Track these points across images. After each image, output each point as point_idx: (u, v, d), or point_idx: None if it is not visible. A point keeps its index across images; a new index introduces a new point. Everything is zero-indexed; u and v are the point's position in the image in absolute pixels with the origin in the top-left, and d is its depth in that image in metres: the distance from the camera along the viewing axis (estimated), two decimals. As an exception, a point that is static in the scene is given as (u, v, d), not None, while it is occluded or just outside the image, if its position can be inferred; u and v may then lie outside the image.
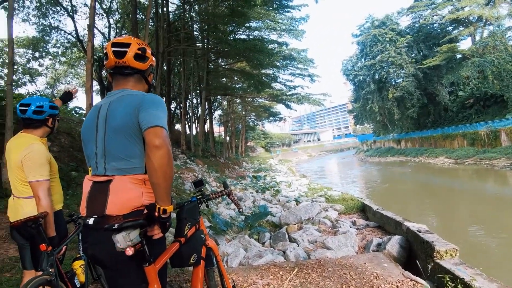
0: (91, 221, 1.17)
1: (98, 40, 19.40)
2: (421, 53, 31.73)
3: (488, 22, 25.55)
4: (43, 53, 19.35)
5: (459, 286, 2.42)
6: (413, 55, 32.00)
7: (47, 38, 18.03)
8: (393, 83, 33.02)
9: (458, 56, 27.85)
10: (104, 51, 1.29)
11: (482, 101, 26.53)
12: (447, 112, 30.79)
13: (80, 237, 1.99)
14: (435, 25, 31.47)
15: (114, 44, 1.27)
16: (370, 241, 4.24)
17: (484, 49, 24.46)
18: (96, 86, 19.67)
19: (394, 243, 3.72)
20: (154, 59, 1.38)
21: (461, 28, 28.56)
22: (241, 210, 1.98)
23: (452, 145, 26.30)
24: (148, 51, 1.33)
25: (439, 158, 25.42)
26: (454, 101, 30.03)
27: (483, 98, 26.24)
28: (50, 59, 20.69)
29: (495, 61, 22.89)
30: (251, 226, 5.56)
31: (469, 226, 8.35)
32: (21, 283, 2.00)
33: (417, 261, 3.24)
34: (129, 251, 1.07)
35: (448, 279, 2.53)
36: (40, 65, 20.49)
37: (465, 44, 30.11)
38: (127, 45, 1.27)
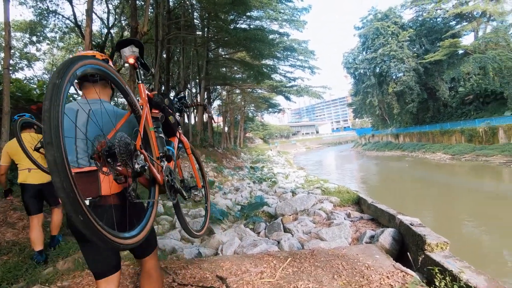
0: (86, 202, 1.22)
1: (96, 26, 19.15)
2: (423, 48, 31.50)
3: (492, 18, 25.30)
4: (41, 38, 19.09)
5: (447, 278, 2.47)
6: (415, 49, 31.78)
7: (45, 22, 17.75)
8: (394, 77, 32.87)
9: (460, 51, 27.69)
10: None
11: (481, 98, 26.50)
12: (446, 108, 30.77)
13: None
14: (438, 19, 31.13)
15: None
16: (363, 233, 4.31)
17: (486, 45, 24.33)
18: (94, 72, 19.45)
19: (386, 236, 3.78)
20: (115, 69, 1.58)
21: (465, 23, 28.27)
22: (214, 121, 2.37)
23: (450, 141, 26.40)
24: (110, 62, 1.48)
25: (436, 154, 25.56)
26: (454, 97, 29.97)
27: (483, 95, 26.20)
28: (47, 44, 20.43)
29: (496, 57, 22.78)
30: (247, 216, 5.62)
31: (462, 220, 8.47)
32: (30, 228, 3.26)
33: (408, 253, 3.30)
34: (131, 60, 1.34)
35: (437, 271, 2.58)
36: (38, 49, 20.26)
37: (467, 40, 29.87)
38: (93, 56, 1.41)
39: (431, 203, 11.14)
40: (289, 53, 23.41)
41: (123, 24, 19.47)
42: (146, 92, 1.43)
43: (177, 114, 1.90)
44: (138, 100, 1.34)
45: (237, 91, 30.77)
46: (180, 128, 1.89)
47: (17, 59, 19.05)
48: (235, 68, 26.07)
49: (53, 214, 3.55)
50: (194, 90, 27.65)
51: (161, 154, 1.43)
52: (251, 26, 18.96)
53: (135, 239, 1.06)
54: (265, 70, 21.92)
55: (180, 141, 1.93)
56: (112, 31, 19.25)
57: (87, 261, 1.49)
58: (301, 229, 4.75)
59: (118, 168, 1.05)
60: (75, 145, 1.35)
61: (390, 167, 24.34)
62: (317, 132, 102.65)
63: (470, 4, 25.80)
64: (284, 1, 18.44)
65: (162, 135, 1.52)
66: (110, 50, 19.09)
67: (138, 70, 1.41)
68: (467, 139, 24.15)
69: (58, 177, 0.74)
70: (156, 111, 1.56)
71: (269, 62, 23.74)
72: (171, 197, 1.42)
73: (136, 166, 1.07)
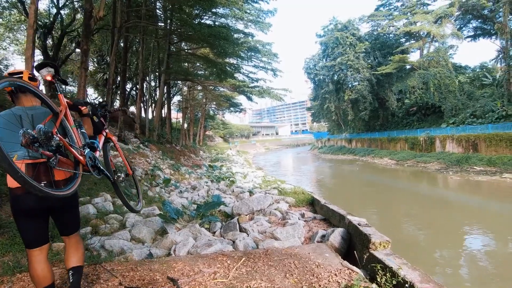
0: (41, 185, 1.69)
1: (43, 4, 17.35)
2: (377, 60, 33.88)
3: (435, 39, 28.16)
4: (-27, 10, 16.70)
5: (388, 274, 2.68)
6: (369, 61, 34.03)
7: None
8: (350, 85, 34.85)
9: (408, 66, 30.34)
10: None
11: (423, 110, 29.37)
12: (394, 117, 33.53)
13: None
14: (390, 35, 33.78)
15: (11, 74, 1.80)
16: (315, 232, 4.49)
17: (429, 63, 26.97)
18: (38, 56, 17.62)
19: (336, 235, 3.98)
20: (40, 81, 1.97)
21: (412, 41, 31.09)
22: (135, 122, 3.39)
23: (395, 147, 28.81)
24: (35, 76, 1.90)
25: (383, 159, 27.69)
26: (400, 107, 32.78)
27: (425, 107, 29.07)
28: (-18, 19, 17.94)
29: (437, 74, 25.42)
30: (203, 215, 5.51)
31: (402, 221, 9.28)
32: None
33: (355, 251, 3.52)
34: (49, 77, 1.82)
35: (379, 267, 2.79)
36: (-31, 23, 17.70)
37: (414, 56, 32.80)
38: (21, 72, 1.83)
39: (377, 204, 12.03)
40: (253, 53, 23.56)
41: (76, 6, 17.90)
42: (65, 100, 1.88)
43: (102, 119, 2.42)
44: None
45: (199, 87, 30.13)
46: (106, 128, 2.42)
47: None
48: (198, 64, 25.50)
49: None
50: (153, 84, 26.48)
51: (83, 144, 1.91)
52: (216, 23, 18.71)
53: (66, 192, 1.64)
54: (228, 68, 21.78)
55: (109, 138, 2.46)
56: (62, 12, 17.59)
57: (22, 234, 1.85)
58: (256, 229, 4.80)
59: (43, 151, 1.50)
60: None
61: (343, 169, 25.78)
62: (277, 133, 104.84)
63: (417, 25, 28.41)
64: (250, 2, 18.50)
65: (83, 131, 2.02)
66: (59, 33, 17.44)
67: (56, 84, 1.87)
68: (409, 146, 26.58)
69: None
70: (84, 108, 2.16)
71: (232, 61, 23.63)
72: (94, 173, 1.93)
73: (53, 143, 1.55)
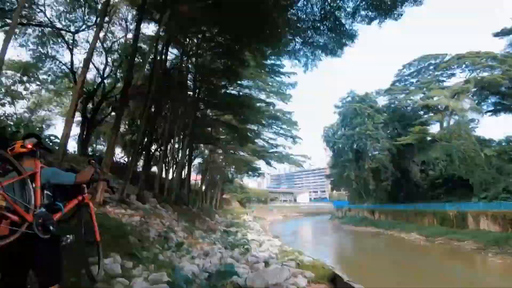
0: None
1: (91, 74, 19.71)
2: (396, 131, 34.17)
3: (454, 112, 28.48)
4: (32, 79, 19.22)
5: None
6: (388, 131, 34.37)
7: (40, 65, 18.12)
8: (370, 154, 34.68)
9: (429, 138, 30.21)
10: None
11: (450, 182, 28.04)
12: (418, 189, 32.05)
13: None
14: (408, 108, 34.67)
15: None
16: (338, 316, 3.94)
17: (451, 135, 26.78)
18: (78, 117, 19.33)
19: (363, 322, 3.46)
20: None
21: (431, 114, 31.57)
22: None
23: (422, 222, 26.80)
24: (24, 144, 2.18)
25: (411, 234, 25.57)
26: (425, 179, 31.55)
27: (451, 180, 27.80)
28: (37, 85, 20.49)
29: (461, 147, 24.91)
30: (214, 286, 5.08)
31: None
32: None
33: None
34: (29, 145, 2.14)
35: None
36: (26, 89, 20.18)
37: (434, 128, 32.85)
38: (15, 143, 2.15)
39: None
40: (273, 121, 24.68)
41: (118, 76, 20.20)
42: (40, 165, 2.13)
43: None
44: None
45: (220, 151, 31.09)
46: (84, 193, 2.52)
47: (1, 95, 18.80)
48: (220, 129, 26.82)
49: None
50: (176, 146, 27.68)
51: (41, 204, 1.98)
52: (240, 93, 20.22)
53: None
54: (249, 134, 22.66)
55: (86, 203, 2.56)
56: (105, 81, 19.83)
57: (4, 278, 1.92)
58: (271, 307, 4.30)
59: None
60: None
61: (367, 244, 23.88)
62: (295, 200, 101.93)
63: (435, 99, 29.20)
64: (272, 76, 20.16)
65: (48, 193, 2.13)
66: (99, 98, 19.36)
67: (37, 151, 2.17)
68: (439, 222, 24.64)
69: None
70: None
71: (254, 127, 24.71)
72: (39, 232, 1.85)
73: None
